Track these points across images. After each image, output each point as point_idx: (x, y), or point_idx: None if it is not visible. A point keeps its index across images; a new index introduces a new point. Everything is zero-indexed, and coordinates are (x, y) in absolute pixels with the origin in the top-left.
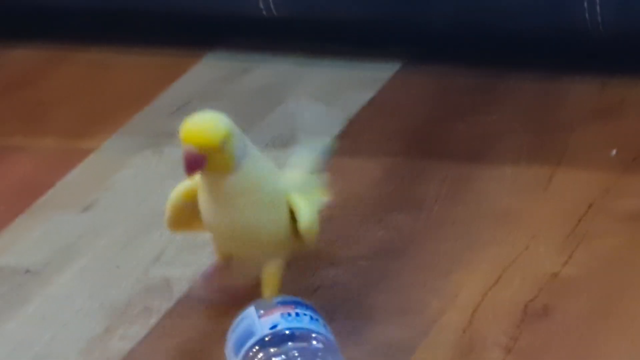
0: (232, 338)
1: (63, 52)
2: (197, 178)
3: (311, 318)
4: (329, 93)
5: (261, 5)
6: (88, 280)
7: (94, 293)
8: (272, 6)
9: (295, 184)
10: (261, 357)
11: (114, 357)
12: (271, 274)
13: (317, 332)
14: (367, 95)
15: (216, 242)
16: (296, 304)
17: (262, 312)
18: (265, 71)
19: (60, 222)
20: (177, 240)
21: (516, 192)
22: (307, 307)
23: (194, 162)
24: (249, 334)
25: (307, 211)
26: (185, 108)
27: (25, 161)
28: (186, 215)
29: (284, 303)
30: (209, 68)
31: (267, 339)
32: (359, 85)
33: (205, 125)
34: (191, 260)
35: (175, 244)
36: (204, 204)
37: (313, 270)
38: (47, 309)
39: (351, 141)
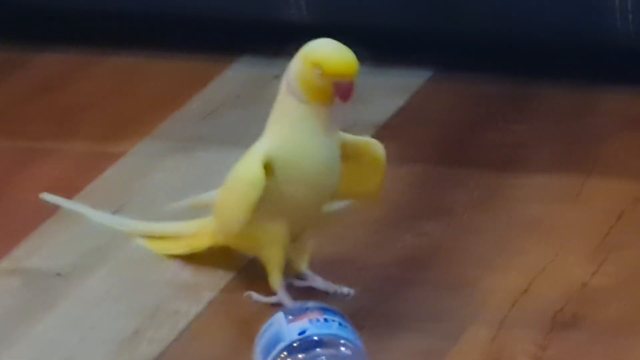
0: (260, 343)
1: (94, 56)
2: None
3: (340, 324)
4: (359, 99)
5: (293, 11)
6: (117, 284)
7: (123, 296)
8: (304, 12)
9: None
10: None
11: None
12: (307, 245)
13: (346, 339)
14: (398, 102)
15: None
16: (325, 310)
17: (290, 317)
18: None
19: (90, 225)
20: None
21: (546, 200)
22: (335, 313)
23: (351, 89)
24: (277, 339)
25: (374, 141)
26: (215, 113)
27: (55, 164)
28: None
29: (313, 309)
30: (240, 73)
31: (295, 344)
32: (390, 92)
33: (349, 53)
34: (220, 263)
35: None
36: (309, 148)
37: (342, 277)
38: (76, 312)
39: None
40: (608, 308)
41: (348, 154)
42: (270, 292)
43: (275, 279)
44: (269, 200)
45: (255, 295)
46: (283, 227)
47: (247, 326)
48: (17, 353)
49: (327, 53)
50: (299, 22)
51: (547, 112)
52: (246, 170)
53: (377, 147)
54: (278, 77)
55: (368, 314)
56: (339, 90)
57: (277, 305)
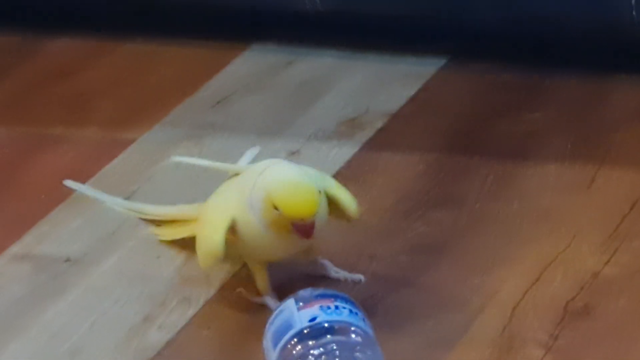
0: (270, 330)
1: (106, 43)
2: (230, 217)
3: (350, 311)
4: (371, 88)
5: (306, 1)
6: (127, 270)
7: (133, 283)
8: (317, 2)
9: (320, 177)
10: (299, 350)
11: (152, 346)
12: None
13: (356, 326)
14: (410, 90)
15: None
16: (336, 297)
17: (301, 304)
18: (309, 65)
19: (101, 211)
20: None
21: (559, 190)
22: (346, 300)
23: (312, 228)
24: (287, 326)
25: (350, 199)
26: (226, 101)
27: (67, 150)
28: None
29: (324, 296)
30: (251, 61)
31: (305, 331)
32: (403, 80)
33: (310, 195)
34: None
35: None
36: (264, 242)
37: (353, 265)
38: (86, 298)
39: (393, 136)
40: (620, 298)
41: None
42: None
43: (261, 284)
44: (242, 247)
45: (245, 293)
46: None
47: (257, 313)
48: (27, 339)
49: (286, 196)
50: (312, 11)
51: (560, 102)
52: (208, 239)
53: (352, 210)
54: (290, 64)
55: (378, 302)
56: (299, 230)
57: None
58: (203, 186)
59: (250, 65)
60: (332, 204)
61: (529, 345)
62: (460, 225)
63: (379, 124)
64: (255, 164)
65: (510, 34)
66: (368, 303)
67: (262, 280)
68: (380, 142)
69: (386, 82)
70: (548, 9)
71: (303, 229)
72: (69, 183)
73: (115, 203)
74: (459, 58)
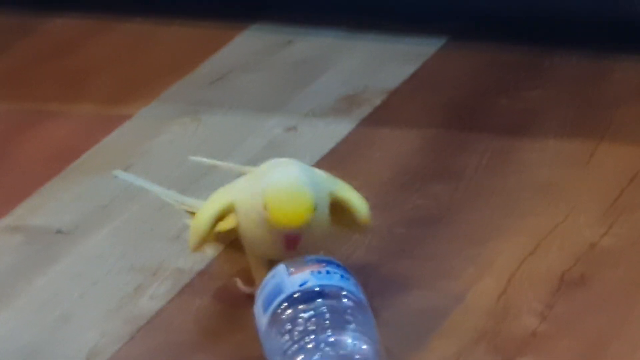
0: (261, 296)
1: (105, 21)
2: (228, 201)
3: (342, 276)
4: (370, 66)
5: None
6: (120, 242)
7: (125, 254)
8: None
9: (329, 180)
10: (289, 314)
11: (143, 315)
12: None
13: (348, 290)
14: (409, 68)
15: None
16: (327, 262)
17: (292, 269)
18: (308, 44)
19: (94, 184)
20: None
21: (558, 164)
22: (338, 266)
23: (297, 240)
24: (277, 291)
25: (361, 202)
26: (225, 79)
27: (61, 126)
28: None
29: (315, 261)
30: (251, 40)
31: (295, 295)
32: (402, 59)
33: (299, 204)
34: None
35: None
36: (259, 235)
37: (348, 236)
38: (77, 268)
39: (391, 113)
40: (617, 269)
41: (335, 204)
42: None
43: (257, 278)
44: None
45: (239, 283)
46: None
47: (249, 284)
48: (17, 307)
49: (276, 201)
50: None
51: (561, 80)
52: (197, 217)
53: (362, 213)
54: (290, 43)
55: (373, 273)
56: (284, 239)
57: None
58: (199, 163)
59: (250, 44)
60: (342, 214)
61: (524, 314)
62: (457, 198)
63: (377, 101)
64: (268, 161)
65: (511, 14)
66: (362, 273)
67: (258, 273)
68: (377, 118)
69: (385, 61)
70: None
71: (286, 238)
72: (117, 173)
73: (166, 195)
74: (458, 38)
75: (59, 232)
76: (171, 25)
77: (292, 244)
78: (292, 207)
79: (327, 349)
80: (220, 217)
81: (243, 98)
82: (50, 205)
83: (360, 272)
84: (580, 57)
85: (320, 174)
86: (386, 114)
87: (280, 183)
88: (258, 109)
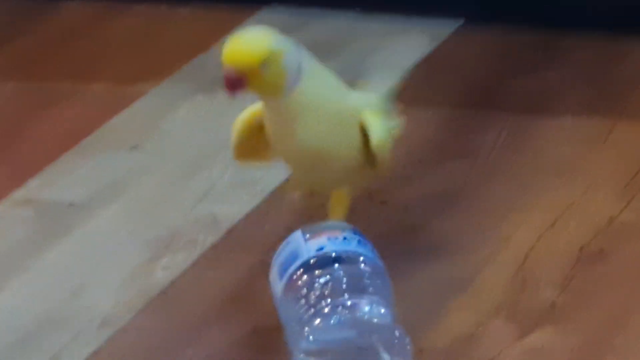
0: (276, 263)
1: (118, 4)
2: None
3: (359, 242)
4: (386, 47)
5: None
6: (133, 215)
7: (138, 227)
8: None
9: (367, 103)
10: (305, 280)
11: (156, 286)
12: (339, 198)
13: (365, 256)
14: (425, 49)
15: (292, 174)
16: (344, 228)
17: (308, 235)
18: (323, 26)
19: (107, 159)
20: (225, 178)
21: (575, 142)
22: (355, 232)
23: (233, 83)
24: (294, 257)
25: (380, 127)
26: None
27: (75, 105)
28: (252, 144)
29: (332, 227)
30: (265, 22)
31: (312, 261)
32: (418, 39)
33: (245, 44)
34: (239, 197)
35: (224, 181)
36: (269, 129)
37: (364, 211)
38: (90, 240)
39: (407, 91)
40: (636, 243)
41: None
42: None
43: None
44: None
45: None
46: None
47: (264, 256)
48: (31, 278)
49: (228, 40)
50: None
51: (578, 61)
52: (238, 117)
53: (378, 141)
54: (305, 25)
55: (390, 245)
56: (223, 78)
57: None
58: (215, 136)
59: (264, 25)
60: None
61: (542, 286)
62: (474, 175)
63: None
64: None
65: None
66: (378, 246)
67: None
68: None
69: (401, 42)
70: None
71: (226, 77)
72: None
73: None
74: (475, 20)
75: (71, 205)
76: (184, 7)
77: (228, 83)
78: (238, 46)
79: (345, 312)
80: (253, 122)
81: None
82: (62, 180)
83: (377, 244)
84: (597, 38)
85: (363, 96)
86: (401, 93)
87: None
88: None
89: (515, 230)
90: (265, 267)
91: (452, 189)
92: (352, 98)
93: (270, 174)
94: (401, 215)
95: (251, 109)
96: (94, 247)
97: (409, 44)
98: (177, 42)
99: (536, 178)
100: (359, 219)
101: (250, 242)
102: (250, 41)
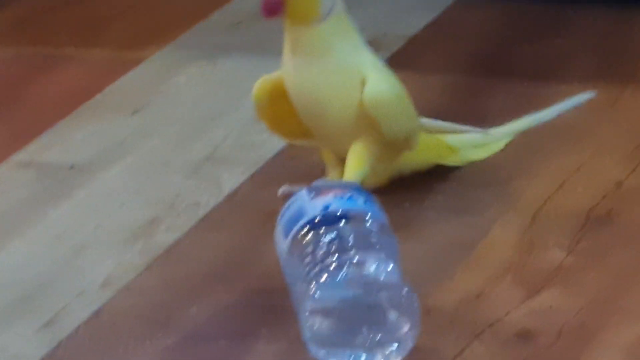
0: (281, 222)
1: None
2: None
3: (365, 201)
4: (390, 14)
5: None
6: (135, 177)
7: (140, 188)
8: None
9: (374, 63)
10: (311, 238)
11: (158, 247)
12: (354, 153)
13: (372, 214)
14: (429, 16)
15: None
16: (350, 187)
17: (314, 194)
18: None
19: (108, 123)
20: (228, 141)
21: (582, 108)
22: (361, 191)
23: (272, 6)
24: (299, 215)
25: (378, 82)
26: (240, 25)
27: (76, 69)
28: (276, 111)
29: (338, 186)
30: None
31: (317, 219)
32: (423, 7)
33: None
34: (243, 159)
35: (227, 144)
36: (286, 67)
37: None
38: (91, 202)
39: (411, 58)
40: None
41: None
42: None
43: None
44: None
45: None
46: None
47: (267, 218)
48: (32, 238)
49: None
50: None
51: (586, 30)
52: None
53: (370, 94)
54: None
55: (396, 208)
56: (260, 1)
57: None
58: (217, 101)
59: None
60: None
61: (550, 247)
62: None
63: (396, 47)
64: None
65: None
66: (385, 208)
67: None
68: (396, 62)
69: (405, 9)
70: None
71: (264, 2)
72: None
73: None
74: None
75: (72, 167)
76: None
77: (267, 7)
78: None
79: (351, 269)
80: (274, 87)
81: (259, 43)
82: (63, 142)
83: (384, 204)
84: (605, 8)
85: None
86: (405, 59)
87: None
88: (276, 54)
89: (522, 193)
90: (268, 229)
91: None
92: (365, 54)
93: (273, 138)
94: (406, 180)
95: (265, 77)
96: (95, 208)
97: (413, 11)
98: (178, 7)
99: (542, 142)
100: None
101: (253, 204)
102: None
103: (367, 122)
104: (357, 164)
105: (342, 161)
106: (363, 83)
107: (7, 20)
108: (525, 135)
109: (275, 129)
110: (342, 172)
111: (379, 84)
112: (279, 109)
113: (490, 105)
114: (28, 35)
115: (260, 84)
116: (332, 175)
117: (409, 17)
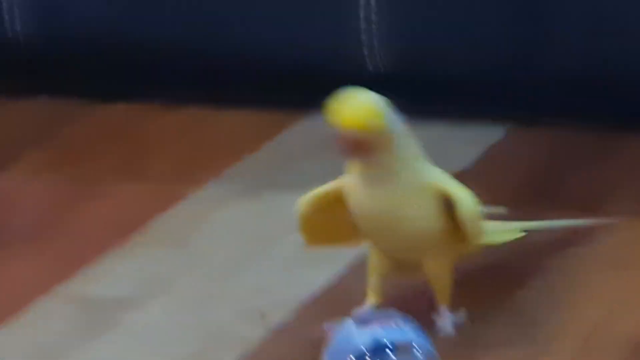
0: (328, 352)
1: (160, 106)
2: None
3: (413, 330)
4: (434, 150)
5: (368, 62)
6: (179, 311)
7: (184, 323)
8: (379, 63)
9: (446, 176)
10: None
11: None
12: (434, 276)
13: (419, 344)
14: (475, 153)
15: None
16: (397, 317)
17: (361, 323)
18: None
19: (151, 257)
20: (273, 275)
21: (630, 242)
22: (407, 320)
23: (358, 147)
24: (345, 346)
25: (468, 198)
26: (287, 161)
27: (118, 202)
28: (322, 226)
29: (384, 316)
30: (310, 128)
31: (365, 349)
32: (467, 144)
33: (364, 107)
34: (288, 294)
35: (272, 278)
36: (357, 196)
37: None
38: (134, 336)
39: None
40: None
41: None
42: None
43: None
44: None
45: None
46: (378, 253)
47: (314, 351)
48: None
49: (340, 104)
50: (375, 73)
51: (634, 160)
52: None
53: (463, 204)
54: None
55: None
56: (343, 144)
57: None
58: (261, 235)
59: (312, 129)
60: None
61: None
62: None
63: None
64: None
65: (578, 101)
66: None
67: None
68: None
69: (448, 146)
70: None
71: (343, 142)
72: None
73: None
74: (524, 123)
75: (115, 300)
76: (227, 110)
77: (349, 147)
78: (349, 106)
79: None
80: (327, 200)
81: (306, 180)
82: (105, 277)
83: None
84: None
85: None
86: None
87: (348, 95)
88: None
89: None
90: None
91: None
92: (434, 169)
93: (318, 273)
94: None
95: (314, 192)
96: (139, 343)
97: (458, 147)
98: (222, 142)
99: (591, 274)
100: None
101: (299, 338)
102: (367, 104)
103: (447, 235)
104: (441, 285)
105: (391, 261)
106: (440, 197)
107: (46, 157)
108: (574, 268)
109: (316, 239)
110: (381, 284)
111: (467, 197)
112: (324, 217)
113: (534, 238)
114: (67, 168)
115: (306, 198)
116: (371, 300)
117: (453, 155)
